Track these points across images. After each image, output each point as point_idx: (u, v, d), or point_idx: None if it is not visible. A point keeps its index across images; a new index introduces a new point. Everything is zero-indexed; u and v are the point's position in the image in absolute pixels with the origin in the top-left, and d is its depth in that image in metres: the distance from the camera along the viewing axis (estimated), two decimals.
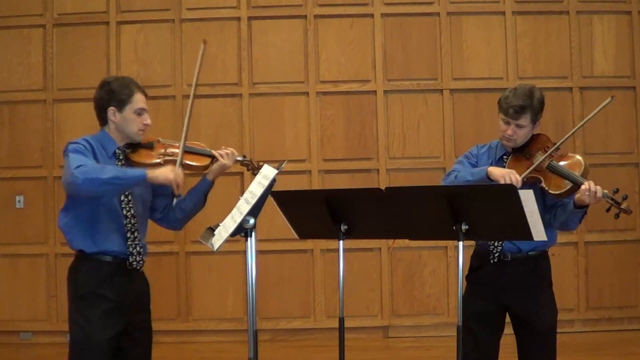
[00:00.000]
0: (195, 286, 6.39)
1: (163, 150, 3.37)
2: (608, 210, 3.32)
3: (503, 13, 6.43)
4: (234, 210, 2.91)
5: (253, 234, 2.84)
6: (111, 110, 3.29)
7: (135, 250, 3.26)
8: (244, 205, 2.85)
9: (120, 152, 3.32)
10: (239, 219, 2.82)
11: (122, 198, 3.25)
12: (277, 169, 2.86)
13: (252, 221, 2.81)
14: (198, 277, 6.39)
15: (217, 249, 2.92)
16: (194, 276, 6.39)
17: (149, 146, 3.39)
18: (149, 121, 3.35)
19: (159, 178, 3.18)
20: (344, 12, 6.45)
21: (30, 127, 6.40)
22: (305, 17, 6.45)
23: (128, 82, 3.36)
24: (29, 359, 5.98)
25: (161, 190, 3.42)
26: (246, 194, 2.88)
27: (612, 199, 3.26)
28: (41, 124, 6.40)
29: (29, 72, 6.44)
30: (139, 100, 3.32)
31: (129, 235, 3.25)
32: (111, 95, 3.30)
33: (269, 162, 3.10)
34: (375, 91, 6.43)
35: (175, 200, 3.47)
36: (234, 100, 6.45)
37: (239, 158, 3.51)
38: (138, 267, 3.29)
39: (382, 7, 6.44)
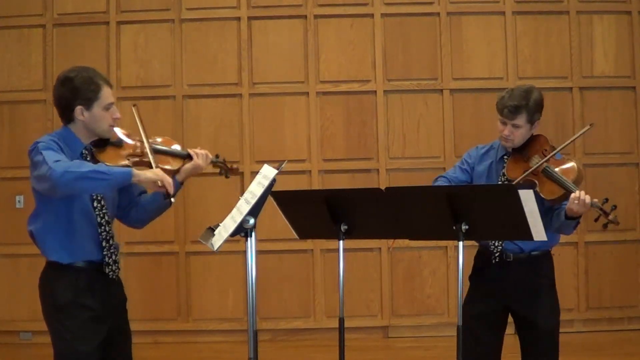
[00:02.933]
0: (195, 286, 6.38)
1: (131, 151, 3.16)
2: (597, 220, 3.30)
3: (503, 13, 6.42)
4: (234, 210, 2.90)
5: (253, 234, 2.83)
6: (78, 109, 3.04)
7: (111, 259, 3.12)
8: (244, 205, 2.85)
9: (87, 151, 3.11)
10: (239, 219, 2.81)
11: (95, 204, 3.08)
12: (277, 169, 2.85)
13: (252, 221, 2.80)
14: (198, 277, 6.38)
15: (217, 249, 2.91)
16: (194, 276, 6.38)
17: (118, 144, 3.17)
18: (118, 114, 3.13)
19: (144, 181, 2.97)
20: (344, 12, 6.45)
21: (30, 127, 6.38)
22: (305, 17, 6.44)
23: (92, 75, 3.08)
24: (29, 359, 5.98)
25: (125, 187, 3.22)
26: (246, 194, 2.88)
27: (600, 209, 3.24)
28: (41, 124, 6.38)
29: (29, 72, 6.44)
30: (107, 95, 3.08)
31: (104, 244, 3.10)
32: (76, 93, 3.03)
33: (269, 162, 3.09)
34: (375, 91, 6.42)
35: (141, 198, 3.31)
36: (234, 100, 6.44)
37: (213, 159, 3.37)
38: (114, 277, 3.14)
39: (382, 7, 6.43)
